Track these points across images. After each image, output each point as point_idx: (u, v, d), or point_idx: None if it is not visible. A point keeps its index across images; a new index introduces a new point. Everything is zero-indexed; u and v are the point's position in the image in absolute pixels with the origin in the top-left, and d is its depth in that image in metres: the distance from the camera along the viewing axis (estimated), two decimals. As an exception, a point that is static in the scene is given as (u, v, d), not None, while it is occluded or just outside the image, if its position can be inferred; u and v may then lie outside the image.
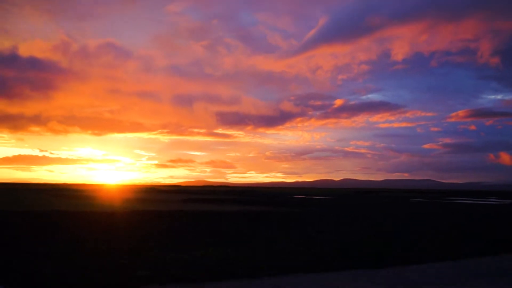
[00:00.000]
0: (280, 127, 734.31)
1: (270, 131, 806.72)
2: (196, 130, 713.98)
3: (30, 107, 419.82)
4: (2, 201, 49.39)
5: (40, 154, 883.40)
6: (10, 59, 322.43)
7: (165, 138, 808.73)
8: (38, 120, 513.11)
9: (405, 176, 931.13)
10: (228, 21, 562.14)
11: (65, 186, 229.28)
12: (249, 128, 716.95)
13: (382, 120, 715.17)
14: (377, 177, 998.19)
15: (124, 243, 14.63)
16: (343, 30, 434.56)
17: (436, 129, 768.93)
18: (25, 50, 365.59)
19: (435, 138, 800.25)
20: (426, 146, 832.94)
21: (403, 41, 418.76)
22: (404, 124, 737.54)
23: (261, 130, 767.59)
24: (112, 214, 28.34)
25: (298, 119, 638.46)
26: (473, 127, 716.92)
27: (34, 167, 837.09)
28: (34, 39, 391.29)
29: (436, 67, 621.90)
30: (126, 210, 33.20)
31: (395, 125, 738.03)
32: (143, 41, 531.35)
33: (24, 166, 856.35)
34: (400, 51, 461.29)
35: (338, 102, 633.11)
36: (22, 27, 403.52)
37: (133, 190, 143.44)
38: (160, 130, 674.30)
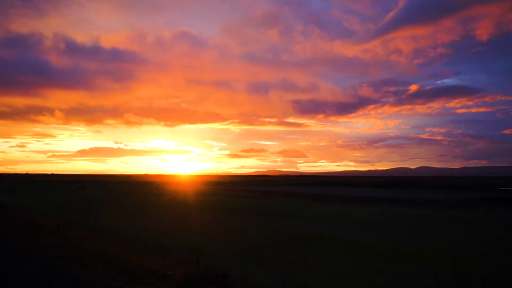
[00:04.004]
0: (353, 114, 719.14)
1: (342, 119, 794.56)
2: (267, 119, 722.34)
3: (110, 99, 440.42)
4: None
5: (115, 146, 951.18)
6: (91, 52, 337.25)
7: (236, 128, 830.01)
8: (115, 113, 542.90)
9: (483, 163, 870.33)
10: (301, 6, 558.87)
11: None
12: (320, 116, 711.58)
13: (459, 105, 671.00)
14: (454, 164, 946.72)
15: None
16: (425, 11, 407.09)
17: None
18: (105, 42, 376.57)
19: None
20: (507, 131, 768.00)
21: (489, 20, 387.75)
22: (482, 109, 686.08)
23: (332, 118, 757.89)
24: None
25: (371, 106, 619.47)
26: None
27: (109, 159, 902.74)
28: (110, 32, 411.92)
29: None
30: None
31: (473, 110, 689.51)
32: (216, 30, 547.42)
33: (100, 158, 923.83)
34: (484, 32, 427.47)
35: (413, 88, 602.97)
36: (99, 20, 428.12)
37: (262, 183, 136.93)
38: (231, 120, 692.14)
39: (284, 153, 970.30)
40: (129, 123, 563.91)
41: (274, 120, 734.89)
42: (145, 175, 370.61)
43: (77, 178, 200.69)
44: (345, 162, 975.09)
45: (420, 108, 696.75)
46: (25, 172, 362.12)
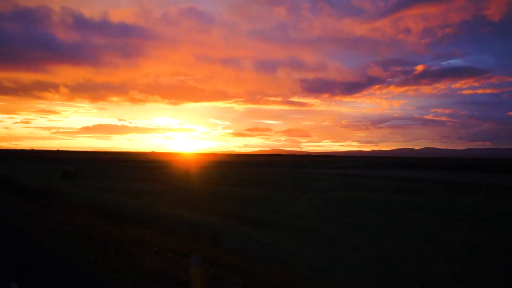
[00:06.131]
0: (358, 94, 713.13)
1: (347, 99, 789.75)
2: (271, 98, 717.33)
3: (116, 76, 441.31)
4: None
5: (119, 123, 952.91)
6: (99, 27, 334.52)
7: (240, 107, 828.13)
8: (120, 90, 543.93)
9: (487, 145, 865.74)
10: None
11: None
12: (325, 96, 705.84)
13: (465, 87, 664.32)
14: (458, 146, 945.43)
15: None
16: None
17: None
18: (114, 17, 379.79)
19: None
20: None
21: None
22: (488, 91, 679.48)
23: (337, 98, 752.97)
24: None
25: (377, 86, 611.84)
26: None
27: (113, 136, 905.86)
28: (119, 7, 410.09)
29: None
30: None
31: (479, 91, 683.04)
32: (223, 6, 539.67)
33: (104, 135, 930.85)
34: (497, 12, 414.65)
35: (420, 68, 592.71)
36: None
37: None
38: (235, 99, 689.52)
39: (288, 132, 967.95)
40: (133, 100, 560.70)
41: (278, 99, 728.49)
42: (152, 153, 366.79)
43: (103, 156, 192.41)
44: (348, 142, 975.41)
45: (426, 89, 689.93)
46: (30, 148, 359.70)
